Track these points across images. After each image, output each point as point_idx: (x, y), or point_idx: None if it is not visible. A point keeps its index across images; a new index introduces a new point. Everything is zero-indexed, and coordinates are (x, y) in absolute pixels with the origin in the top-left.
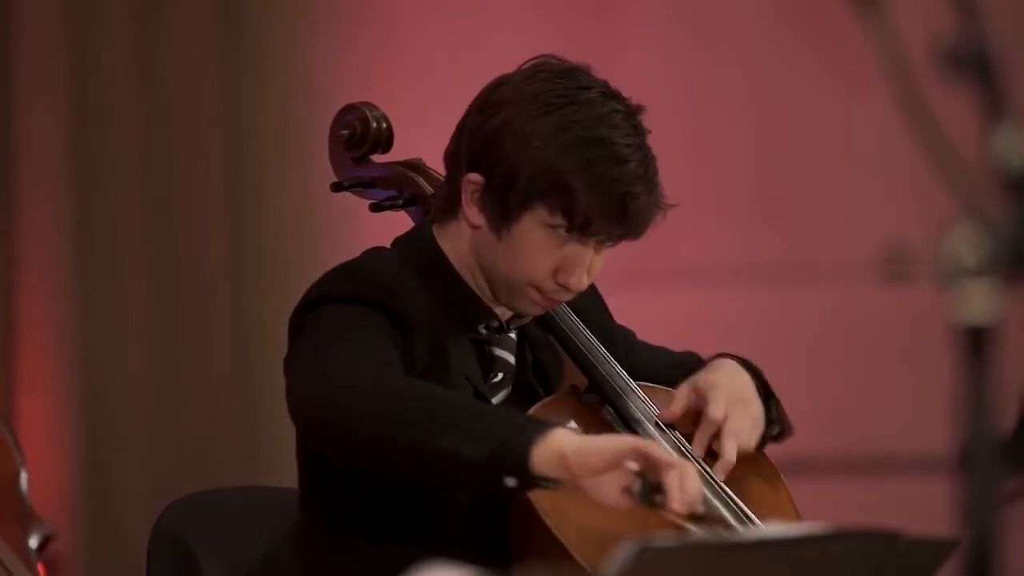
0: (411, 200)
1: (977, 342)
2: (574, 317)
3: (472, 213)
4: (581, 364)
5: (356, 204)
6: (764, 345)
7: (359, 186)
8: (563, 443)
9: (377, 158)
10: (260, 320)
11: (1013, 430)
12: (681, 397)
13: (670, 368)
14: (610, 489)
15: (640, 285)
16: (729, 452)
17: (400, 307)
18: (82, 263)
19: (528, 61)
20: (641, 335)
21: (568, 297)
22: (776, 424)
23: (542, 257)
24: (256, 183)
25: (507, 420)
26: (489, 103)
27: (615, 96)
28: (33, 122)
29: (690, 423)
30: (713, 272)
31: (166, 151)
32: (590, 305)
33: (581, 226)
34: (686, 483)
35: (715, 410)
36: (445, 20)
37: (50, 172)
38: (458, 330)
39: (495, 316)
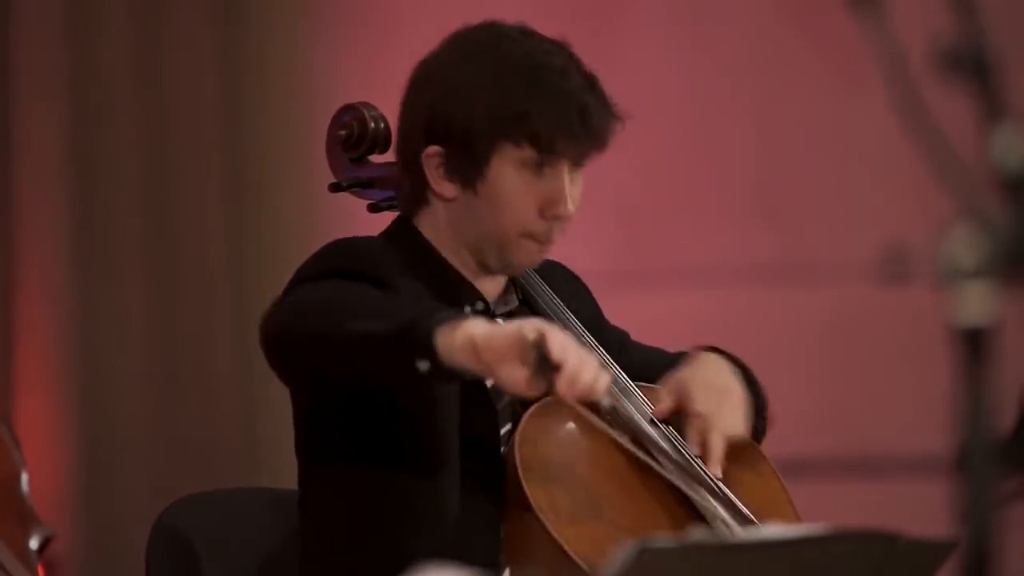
0: None
1: (975, 343)
2: (573, 318)
3: (442, 187)
4: None
5: (355, 205)
6: (763, 345)
7: (357, 186)
8: (472, 329)
9: (375, 158)
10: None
11: (1011, 431)
12: (665, 394)
13: (664, 368)
14: (515, 372)
15: (640, 285)
16: (716, 446)
17: (387, 279)
18: (81, 263)
19: None
20: (641, 335)
21: (560, 231)
22: (763, 418)
23: (523, 199)
24: (256, 183)
25: (421, 307)
26: (417, 81)
27: (532, 30)
28: (33, 122)
29: (682, 420)
30: (713, 272)
31: (166, 151)
32: (583, 306)
33: (548, 147)
34: (585, 370)
35: (697, 404)
36: (444, 20)
37: (50, 172)
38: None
39: (481, 296)
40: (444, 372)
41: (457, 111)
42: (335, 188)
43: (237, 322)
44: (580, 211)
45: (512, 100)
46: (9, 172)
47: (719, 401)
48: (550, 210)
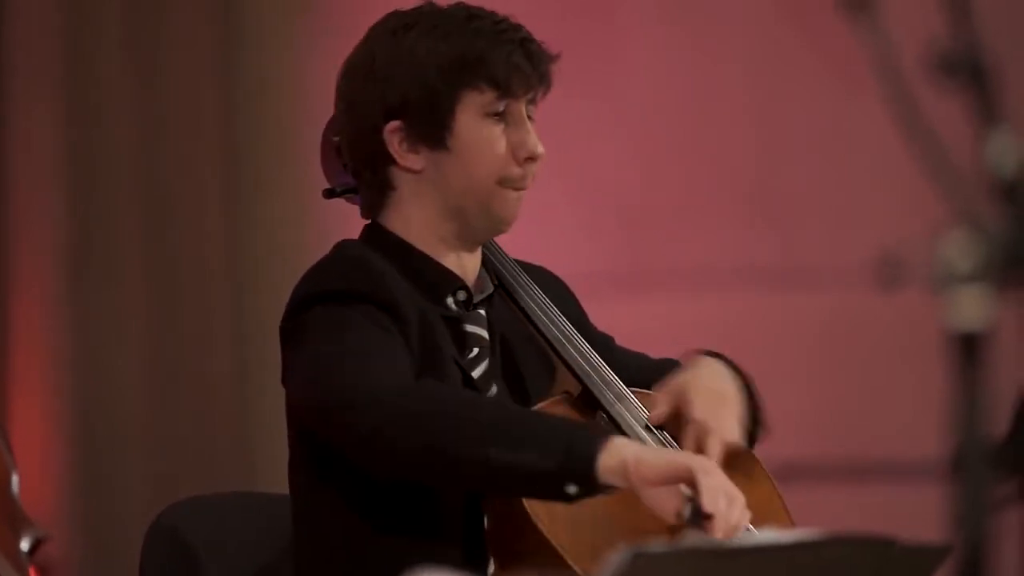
0: None
1: (971, 347)
2: (567, 323)
3: (408, 159)
4: (574, 371)
5: (348, 208)
6: (760, 348)
7: (350, 192)
8: (624, 452)
9: None
10: (257, 323)
11: (1006, 435)
12: (663, 399)
13: (649, 372)
14: (663, 502)
15: (639, 287)
16: (714, 451)
17: (388, 297)
18: (78, 265)
19: None
20: (638, 337)
21: (534, 169)
22: (758, 423)
23: (494, 146)
24: (253, 186)
25: (570, 430)
26: (353, 75)
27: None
28: (30, 122)
29: (677, 425)
30: (711, 274)
31: (163, 153)
32: (568, 308)
33: (506, 86)
34: (733, 513)
35: (696, 410)
36: None
37: (47, 174)
38: (432, 310)
39: (464, 285)
40: (592, 493)
41: (410, 78)
42: (329, 194)
43: (235, 324)
44: (578, 212)
45: (462, 48)
46: (5, 173)
47: (716, 406)
48: (522, 152)
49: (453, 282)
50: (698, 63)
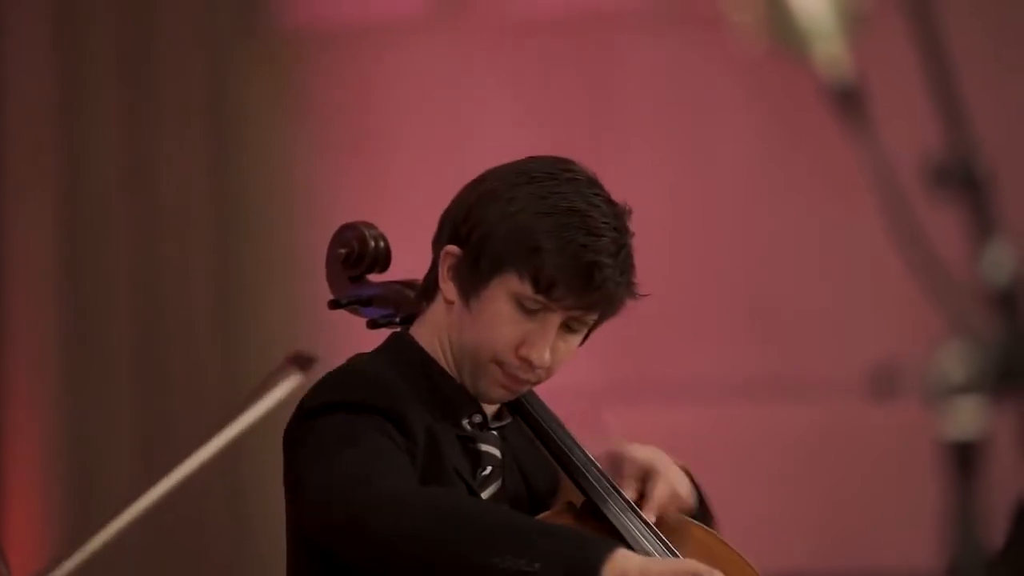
0: (408, 318)
1: (966, 458)
2: (571, 434)
3: (448, 288)
4: (578, 480)
5: (342, 315)
6: (756, 459)
7: (356, 304)
8: (627, 564)
9: (374, 277)
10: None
11: (1003, 546)
12: (626, 482)
13: None
14: None
15: (631, 398)
16: (659, 492)
17: (398, 410)
18: (71, 377)
19: None
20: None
21: (531, 377)
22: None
23: (506, 327)
24: (244, 286)
25: (570, 539)
26: (476, 181)
27: (599, 185)
28: (25, 225)
29: (681, 538)
30: (706, 386)
31: (155, 256)
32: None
33: (546, 289)
34: None
35: (640, 457)
36: (440, 143)
37: (40, 274)
38: (446, 427)
39: (479, 408)
40: None
41: (486, 219)
42: (334, 305)
43: (226, 409)
44: None
45: (533, 232)
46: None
47: (659, 459)
48: (524, 350)
49: (469, 405)
50: (692, 174)
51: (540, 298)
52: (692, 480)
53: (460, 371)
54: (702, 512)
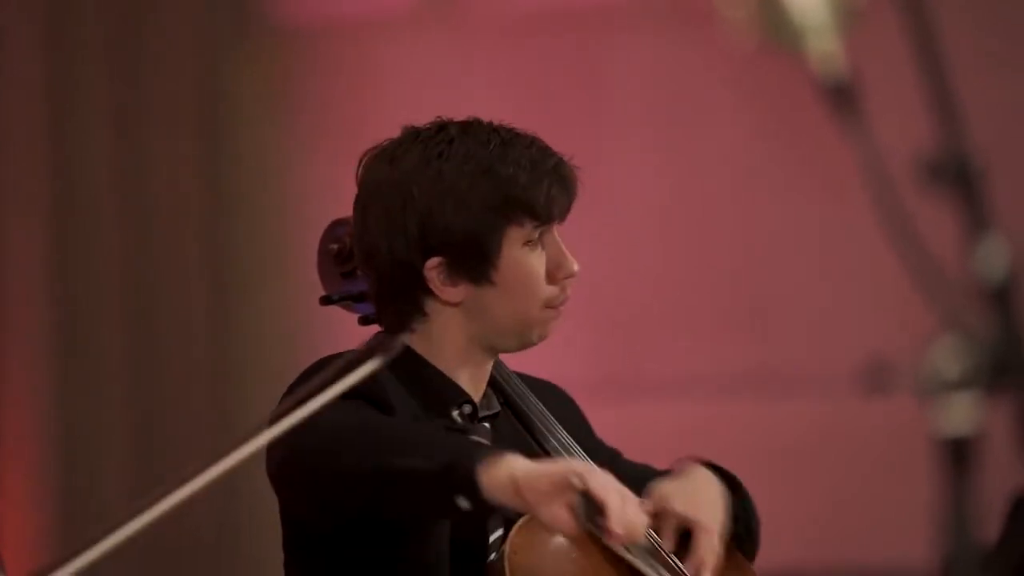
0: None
1: (959, 454)
2: (569, 436)
3: (448, 293)
4: None
5: (335, 312)
6: (748, 455)
7: (348, 300)
8: (513, 466)
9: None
10: (243, 422)
11: (997, 542)
12: (644, 506)
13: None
14: (559, 512)
15: (625, 394)
16: (706, 546)
17: (383, 396)
18: (62, 376)
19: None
20: (626, 444)
21: (569, 288)
22: (742, 523)
23: (538, 274)
24: (238, 288)
25: (459, 442)
26: (380, 199)
27: (471, 122)
28: (16, 218)
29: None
30: (697, 383)
31: (148, 259)
32: (574, 423)
33: (547, 216)
34: (627, 508)
35: (676, 507)
36: None
37: (33, 279)
38: (435, 419)
39: (469, 399)
40: (484, 509)
41: (453, 215)
42: (325, 301)
43: (219, 428)
44: (564, 320)
45: (505, 185)
46: None
47: (696, 505)
48: (560, 272)
49: (459, 396)
50: (684, 169)
51: (543, 226)
52: (743, 495)
53: (502, 343)
54: (748, 538)
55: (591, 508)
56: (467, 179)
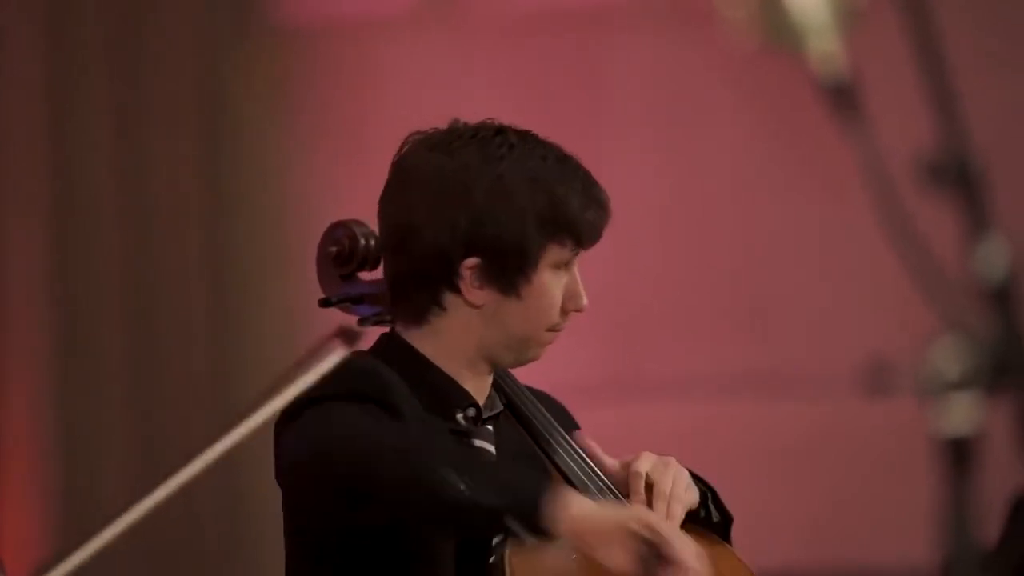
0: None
1: (959, 454)
2: (566, 435)
3: (474, 295)
4: (569, 478)
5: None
6: (748, 456)
7: (347, 302)
8: (575, 509)
9: (364, 275)
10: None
11: (997, 542)
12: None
13: None
14: (618, 554)
15: (625, 397)
16: (676, 514)
17: (392, 401)
18: (64, 377)
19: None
20: (625, 446)
21: (568, 321)
22: (708, 509)
23: (556, 293)
24: (238, 286)
25: (516, 474)
26: (428, 186)
27: (526, 132)
28: (17, 238)
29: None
30: (698, 383)
31: (148, 262)
32: (564, 422)
33: (586, 242)
34: (691, 559)
35: (642, 469)
36: None
37: (34, 283)
38: (439, 421)
39: (473, 401)
40: (539, 538)
41: (508, 221)
42: (325, 304)
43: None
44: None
45: (561, 204)
46: None
47: (663, 475)
48: (571, 304)
49: (464, 399)
50: (684, 169)
51: (578, 250)
52: (703, 483)
53: (500, 356)
54: (719, 514)
55: (653, 557)
56: (527, 189)
